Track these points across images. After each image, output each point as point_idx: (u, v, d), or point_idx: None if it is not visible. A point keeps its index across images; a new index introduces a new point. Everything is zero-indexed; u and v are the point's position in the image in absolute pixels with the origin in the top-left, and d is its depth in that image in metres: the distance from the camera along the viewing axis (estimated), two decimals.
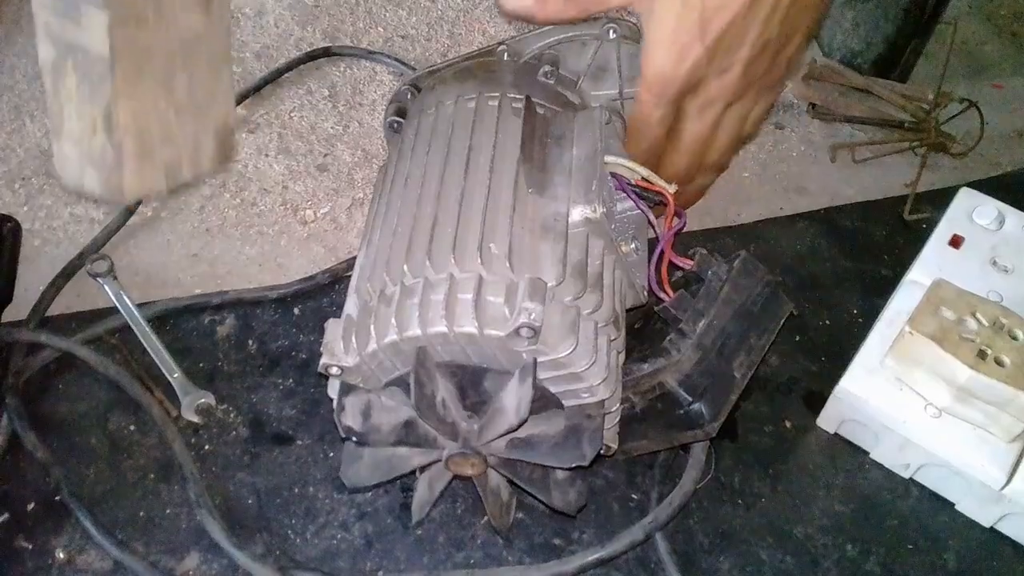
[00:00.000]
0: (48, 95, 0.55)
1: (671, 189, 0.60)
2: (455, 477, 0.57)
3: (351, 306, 0.55)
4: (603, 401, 0.53)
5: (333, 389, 0.55)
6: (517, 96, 0.61)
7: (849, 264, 0.76)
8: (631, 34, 0.66)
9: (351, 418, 0.52)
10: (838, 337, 0.71)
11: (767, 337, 0.61)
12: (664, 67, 0.60)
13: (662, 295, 0.60)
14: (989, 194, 0.76)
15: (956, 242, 0.70)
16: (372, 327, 0.51)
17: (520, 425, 0.51)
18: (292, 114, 0.83)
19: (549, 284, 0.51)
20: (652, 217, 0.60)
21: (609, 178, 0.59)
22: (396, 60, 0.87)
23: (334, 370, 0.53)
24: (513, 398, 0.51)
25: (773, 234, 0.78)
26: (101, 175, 0.59)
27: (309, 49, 0.88)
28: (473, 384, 0.53)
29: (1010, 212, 0.71)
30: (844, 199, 0.81)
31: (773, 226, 0.79)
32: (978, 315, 0.60)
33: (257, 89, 0.84)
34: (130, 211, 0.75)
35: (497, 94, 0.61)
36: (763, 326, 0.61)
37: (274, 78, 0.85)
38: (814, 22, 0.65)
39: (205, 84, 0.60)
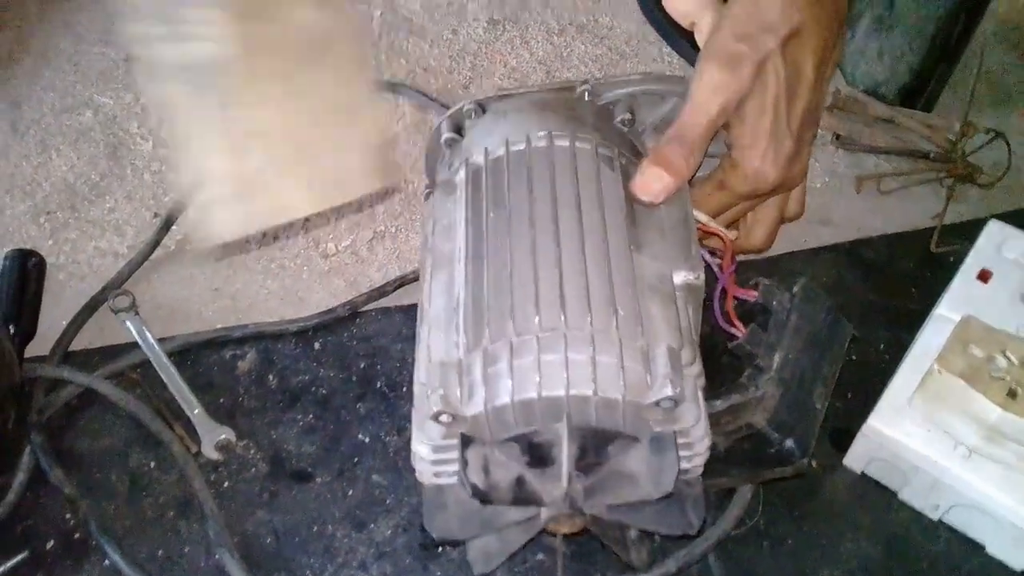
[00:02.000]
0: (178, 146, 0.53)
1: (731, 236, 0.63)
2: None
3: (441, 347, 0.52)
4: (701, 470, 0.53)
5: (430, 434, 0.51)
6: (608, 145, 0.61)
7: (875, 298, 0.75)
8: None
9: (475, 474, 0.50)
10: (865, 373, 0.70)
11: (837, 364, 0.61)
12: (766, 166, 0.61)
13: (733, 331, 0.60)
14: (1018, 226, 0.74)
15: (984, 276, 0.68)
16: (504, 381, 0.49)
17: (662, 497, 0.50)
18: None
19: None
20: (711, 260, 0.61)
21: None
22: (419, 92, 0.87)
23: (445, 418, 0.49)
24: (650, 468, 0.50)
25: (798, 267, 0.77)
26: (238, 204, 0.56)
27: None
28: (595, 446, 0.51)
29: None
30: (870, 231, 0.80)
31: (798, 259, 0.78)
32: (1008, 353, 0.59)
33: None
34: (154, 245, 0.75)
35: (590, 139, 0.60)
36: (833, 353, 0.61)
37: None
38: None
39: (341, 92, 0.57)
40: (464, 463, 0.49)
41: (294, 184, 0.56)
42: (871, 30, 0.84)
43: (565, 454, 0.49)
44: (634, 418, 0.50)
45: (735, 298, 0.62)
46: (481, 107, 0.64)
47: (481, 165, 0.60)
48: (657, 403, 0.48)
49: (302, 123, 0.55)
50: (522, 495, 0.51)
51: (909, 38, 0.81)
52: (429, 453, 0.51)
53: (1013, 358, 0.59)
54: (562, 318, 0.50)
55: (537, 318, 0.50)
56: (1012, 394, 0.57)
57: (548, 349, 0.49)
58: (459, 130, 0.64)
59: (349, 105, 0.56)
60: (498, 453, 0.50)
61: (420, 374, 0.52)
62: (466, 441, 0.50)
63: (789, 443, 0.56)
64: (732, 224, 0.69)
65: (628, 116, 0.64)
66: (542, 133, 0.60)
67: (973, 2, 0.78)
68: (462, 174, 0.61)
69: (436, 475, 0.52)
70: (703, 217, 0.62)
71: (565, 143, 0.59)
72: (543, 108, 0.63)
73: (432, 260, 0.57)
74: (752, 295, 0.62)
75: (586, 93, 0.65)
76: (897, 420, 0.61)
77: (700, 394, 0.52)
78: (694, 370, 0.52)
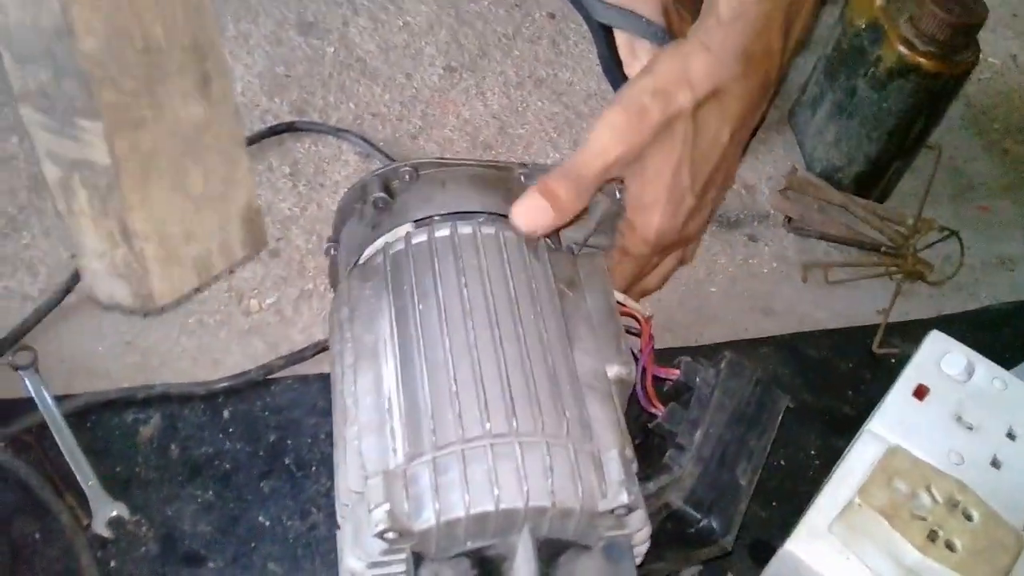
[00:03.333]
0: (63, 214, 0.53)
1: (647, 314, 0.61)
2: None
3: (375, 453, 0.49)
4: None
5: (368, 550, 0.47)
6: None
7: (811, 398, 0.73)
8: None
9: None
10: (792, 480, 0.68)
11: (767, 437, 0.60)
12: (664, 225, 0.61)
13: (653, 411, 0.59)
14: (964, 329, 0.73)
15: (921, 393, 0.66)
16: (457, 493, 0.46)
17: None
18: None
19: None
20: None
21: None
22: (363, 140, 0.84)
23: (391, 535, 0.45)
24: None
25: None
26: (130, 286, 0.58)
27: (274, 122, 0.85)
28: (546, 557, 0.49)
29: (980, 362, 0.68)
30: (813, 323, 0.78)
31: (736, 349, 0.75)
32: (933, 490, 0.57)
33: None
34: (66, 290, 0.71)
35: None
36: (761, 427, 0.60)
37: None
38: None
39: (220, 172, 0.57)
40: None
41: (162, 271, 0.56)
42: (831, 114, 0.82)
43: (528, 571, 0.47)
44: (585, 526, 0.48)
45: (656, 377, 0.61)
46: (416, 170, 0.62)
47: (402, 250, 0.58)
48: (612, 511, 0.47)
49: (180, 213, 0.54)
50: None
51: (868, 128, 0.79)
52: (364, 570, 0.48)
53: (937, 496, 0.57)
54: (513, 423, 0.48)
55: (488, 423, 0.47)
56: (932, 536, 0.55)
57: (502, 457, 0.47)
58: (388, 190, 0.61)
59: (224, 184, 0.56)
60: (448, 570, 0.48)
61: (351, 481, 0.49)
62: (418, 560, 0.47)
63: (708, 522, 0.55)
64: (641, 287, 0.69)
65: None
66: (468, 226, 0.57)
67: (934, 102, 0.76)
68: (380, 259, 0.58)
69: None
70: (620, 296, 0.60)
71: (491, 230, 0.57)
72: (482, 183, 0.61)
73: (355, 353, 0.54)
74: (673, 374, 0.61)
75: (522, 176, 0.63)
76: (815, 547, 0.59)
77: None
78: (633, 469, 0.51)
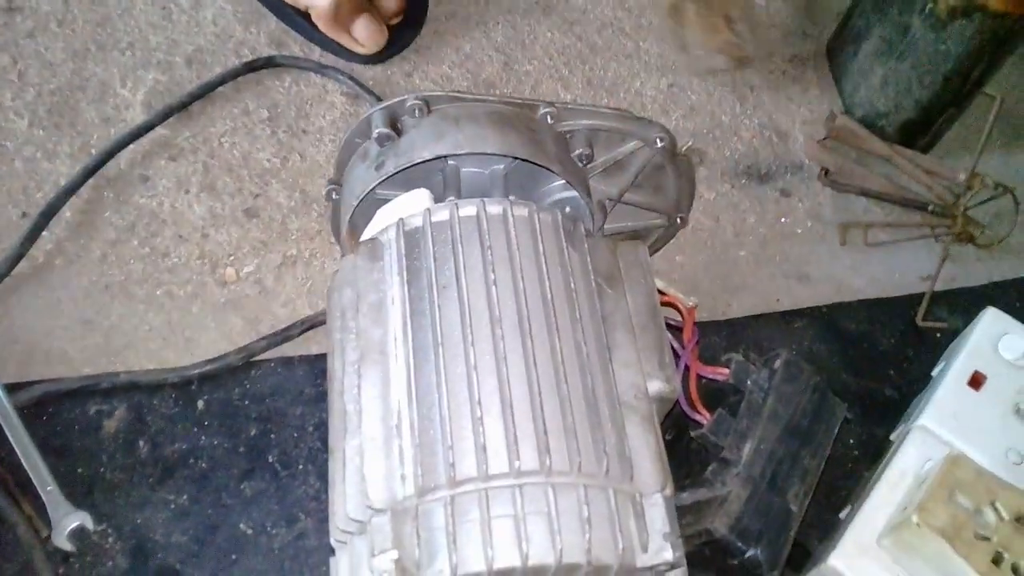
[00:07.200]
0: None
1: (690, 303, 0.55)
2: None
3: (382, 479, 0.42)
4: None
5: None
6: (570, 213, 0.53)
7: (850, 379, 0.66)
8: (674, 151, 0.57)
9: None
10: (829, 474, 0.61)
11: (822, 454, 0.54)
12: None
13: (697, 417, 0.53)
14: (1017, 297, 0.66)
15: (977, 381, 0.60)
16: (477, 543, 0.40)
17: None
18: (223, 139, 0.71)
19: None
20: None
21: None
22: (351, 79, 0.75)
23: None
24: None
25: (766, 333, 0.68)
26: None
27: (251, 57, 0.75)
28: None
29: None
30: (851, 292, 0.71)
31: (767, 323, 0.68)
32: (998, 505, 0.51)
33: (184, 106, 0.72)
34: (17, 257, 0.63)
35: (551, 209, 0.51)
36: (817, 441, 0.54)
37: (205, 92, 0.72)
38: None
39: None
40: None
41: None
42: (878, 53, 0.73)
43: None
44: None
45: (701, 377, 0.55)
46: (427, 104, 0.54)
47: (419, 228, 0.50)
48: (652, 568, 0.41)
49: None
50: None
51: (920, 72, 0.70)
52: None
53: (1003, 512, 0.50)
54: (546, 460, 0.41)
55: (517, 461, 0.41)
56: (996, 560, 0.49)
57: (532, 502, 0.40)
58: (395, 126, 0.53)
59: None
60: None
61: (351, 508, 0.43)
62: None
63: (756, 554, 0.50)
64: None
65: (588, 151, 0.55)
66: (497, 205, 0.49)
67: (998, 46, 0.67)
68: (392, 234, 0.50)
69: None
70: (660, 283, 0.54)
71: (523, 212, 0.50)
72: (501, 122, 0.53)
73: (360, 348, 0.47)
74: (722, 374, 0.55)
75: (548, 116, 0.55)
76: (861, 562, 0.53)
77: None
78: (675, 511, 0.45)
